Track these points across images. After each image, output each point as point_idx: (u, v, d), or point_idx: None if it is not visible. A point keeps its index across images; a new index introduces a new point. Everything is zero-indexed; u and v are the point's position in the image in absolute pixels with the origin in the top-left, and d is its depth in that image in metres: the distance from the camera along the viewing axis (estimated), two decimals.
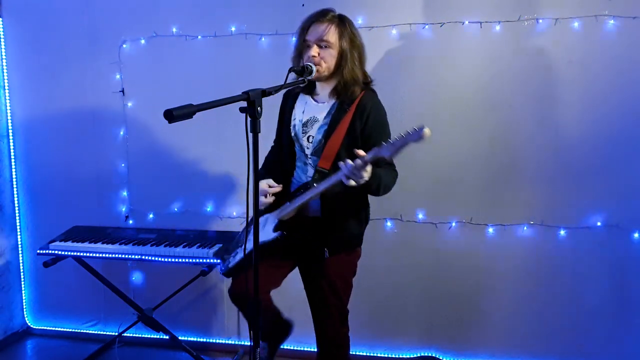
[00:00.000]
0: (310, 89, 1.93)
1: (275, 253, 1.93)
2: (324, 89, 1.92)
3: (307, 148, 1.90)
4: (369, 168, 1.62)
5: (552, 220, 2.49)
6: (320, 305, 2.00)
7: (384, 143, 1.58)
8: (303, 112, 1.93)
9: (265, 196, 1.87)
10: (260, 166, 1.85)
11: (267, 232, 1.89)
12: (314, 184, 1.81)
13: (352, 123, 1.83)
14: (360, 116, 1.83)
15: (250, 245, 1.74)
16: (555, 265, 2.52)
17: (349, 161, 1.61)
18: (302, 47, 1.85)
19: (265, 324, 1.98)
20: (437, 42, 2.49)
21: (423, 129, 1.50)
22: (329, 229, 1.90)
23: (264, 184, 1.87)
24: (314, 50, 1.80)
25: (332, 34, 1.80)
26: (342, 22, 1.83)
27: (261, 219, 1.91)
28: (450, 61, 2.49)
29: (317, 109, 1.91)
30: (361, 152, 1.60)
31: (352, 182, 1.63)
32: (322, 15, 1.82)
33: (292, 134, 1.93)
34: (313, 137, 1.88)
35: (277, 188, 1.89)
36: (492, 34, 2.43)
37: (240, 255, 1.98)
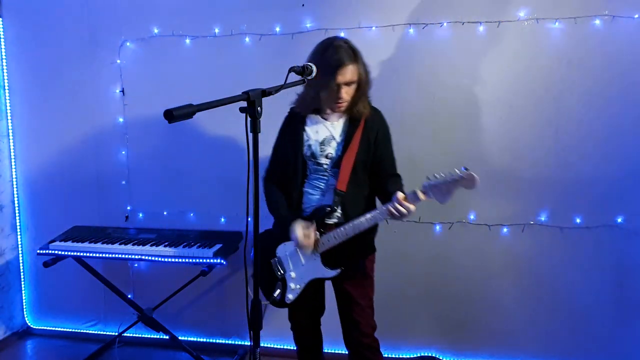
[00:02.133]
0: (317, 109, 2.00)
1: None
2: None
3: (326, 164, 1.98)
4: (412, 207, 1.79)
5: (551, 220, 2.50)
6: (356, 308, 2.04)
7: (430, 192, 1.77)
8: (317, 132, 1.98)
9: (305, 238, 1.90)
10: (268, 192, 2.06)
11: (317, 269, 1.94)
12: (335, 207, 1.93)
13: (364, 136, 1.95)
14: (371, 129, 1.96)
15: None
16: (555, 265, 2.52)
17: (401, 209, 1.78)
18: (326, 86, 1.87)
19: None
20: (437, 42, 2.49)
21: (467, 171, 1.71)
22: (358, 235, 1.92)
23: (299, 231, 1.89)
24: (345, 93, 1.87)
25: (355, 73, 1.86)
26: (357, 56, 1.87)
27: (289, 249, 1.98)
28: (450, 61, 2.49)
29: (331, 128, 1.98)
30: (412, 207, 1.78)
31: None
32: (348, 58, 1.83)
33: (308, 154, 1.98)
34: (331, 153, 1.96)
35: (312, 232, 1.92)
36: (492, 34, 2.43)
37: (295, 291, 1.99)
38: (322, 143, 1.97)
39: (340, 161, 1.94)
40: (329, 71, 1.81)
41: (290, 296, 1.98)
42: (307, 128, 1.99)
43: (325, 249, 1.92)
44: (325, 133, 1.97)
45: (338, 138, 1.96)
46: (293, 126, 2.02)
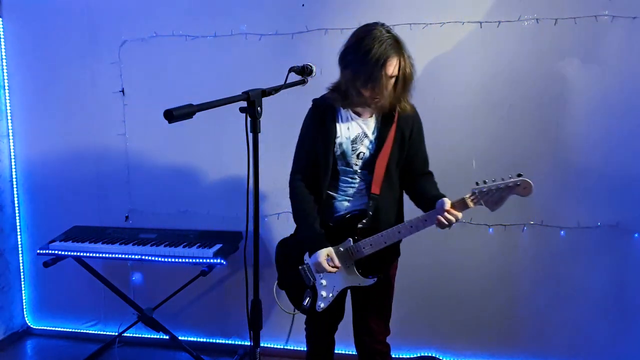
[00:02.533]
0: (347, 102, 1.81)
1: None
2: None
3: (356, 165, 1.84)
4: (460, 215, 1.70)
5: (552, 220, 2.49)
6: (374, 315, 1.99)
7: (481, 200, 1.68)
8: (348, 129, 1.83)
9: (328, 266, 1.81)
10: (301, 201, 1.88)
11: (351, 276, 1.84)
12: (369, 211, 1.82)
13: (398, 133, 1.82)
14: (405, 125, 1.83)
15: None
16: (555, 265, 2.52)
17: (451, 217, 1.68)
18: (373, 79, 1.67)
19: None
20: (437, 42, 2.49)
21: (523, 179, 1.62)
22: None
23: (323, 258, 1.79)
24: (391, 84, 1.70)
25: (396, 67, 1.69)
26: (401, 48, 1.70)
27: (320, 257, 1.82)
28: (450, 61, 2.49)
29: (363, 125, 1.84)
30: (460, 216, 1.69)
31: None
32: (397, 50, 1.68)
33: (338, 153, 1.83)
34: (363, 153, 1.83)
35: (337, 266, 1.82)
36: (492, 34, 2.43)
37: (327, 300, 1.89)
38: (353, 141, 1.82)
39: (372, 162, 1.81)
40: (374, 58, 1.63)
41: (322, 304, 1.88)
42: (338, 124, 1.83)
43: (360, 256, 1.81)
44: (357, 130, 1.83)
45: (371, 136, 1.82)
46: (322, 121, 1.84)
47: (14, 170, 3.06)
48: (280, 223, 2.75)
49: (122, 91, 2.86)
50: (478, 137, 2.52)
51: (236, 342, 2.93)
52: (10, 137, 3.03)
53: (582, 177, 2.46)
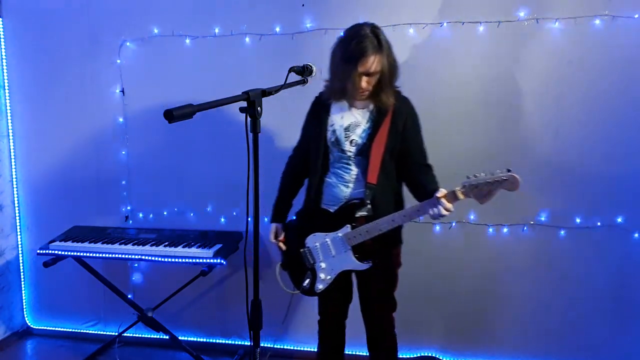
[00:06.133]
0: (344, 95, 1.95)
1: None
2: None
3: (350, 151, 1.95)
4: (451, 206, 1.77)
5: (552, 220, 2.49)
6: (382, 302, 2.11)
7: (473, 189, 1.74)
8: (342, 118, 1.97)
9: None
10: (283, 177, 2.21)
11: (348, 261, 1.95)
12: (366, 200, 1.91)
13: (393, 124, 1.92)
14: (399, 117, 1.93)
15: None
16: (555, 265, 2.53)
17: (442, 209, 1.75)
18: (347, 75, 1.83)
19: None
20: (437, 42, 2.49)
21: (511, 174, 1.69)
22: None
23: (271, 231, 2.18)
24: (365, 83, 1.84)
25: (377, 64, 1.81)
26: (381, 46, 1.82)
27: (319, 240, 1.99)
28: (450, 61, 2.49)
29: (357, 114, 1.96)
30: (451, 207, 1.75)
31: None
32: (371, 48, 1.79)
33: (332, 140, 1.96)
34: (356, 140, 1.94)
35: (281, 239, 2.17)
36: (492, 34, 2.43)
37: (325, 282, 2.01)
38: (346, 129, 1.94)
39: (366, 150, 1.91)
40: (351, 60, 1.79)
41: (320, 286, 2.00)
42: (332, 113, 1.99)
43: (357, 242, 1.91)
44: (350, 119, 1.96)
45: (364, 125, 1.94)
46: (318, 111, 2.03)
47: (14, 170, 3.06)
48: None
49: (122, 91, 2.86)
50: (477, 137, 2.52)
51: (236, 342, 2.93)
52: (10, 137, 3.03)
53: (582, 177, 2.46)
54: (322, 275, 1.99)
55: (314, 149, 2.01)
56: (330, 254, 1.97)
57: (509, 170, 1.70)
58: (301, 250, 2.02)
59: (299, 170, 2.16)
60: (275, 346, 2.85)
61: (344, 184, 1.97)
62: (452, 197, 1.76)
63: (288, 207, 2.21)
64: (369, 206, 1.91)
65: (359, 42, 1.79)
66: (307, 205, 2.08)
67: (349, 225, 1.92)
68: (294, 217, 2.15)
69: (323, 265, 1.98)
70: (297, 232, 2.07)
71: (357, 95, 1.90)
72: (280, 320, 2.80)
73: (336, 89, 1.91)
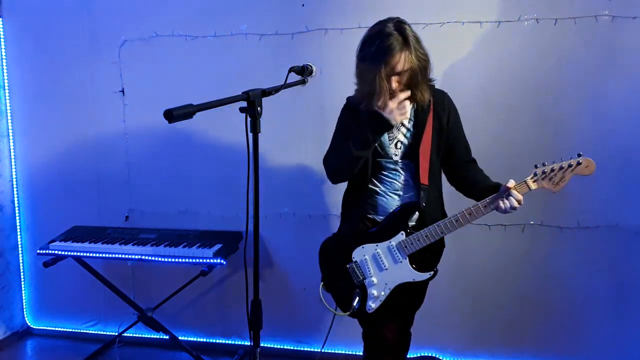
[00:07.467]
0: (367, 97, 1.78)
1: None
2: None
3: (396, 155, 1.82)
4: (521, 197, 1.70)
5: (552, 220, 2.49)
6: (403, 317, 1.92)
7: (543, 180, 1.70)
8: None
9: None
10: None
11: (404, 272, 1.76)
12: (422, 203, 1.77)
13: (435, 121, 1.81)
14: (442, 112, 1.83)
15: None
16: (554, 265, 2.52)
17: (514, 201, 1.69)
18: (375, 77, 1.67)
19: None
20: (437, 42, 2.48)
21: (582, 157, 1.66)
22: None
23: (393, 105, 1.71)
24: (395, 83, 1.69)
25: (406, 62, 1.68)
26: (407, 43, 1.69)
27: (369, 252, 1.79)
28: (450, 61, 2.49)
29: None
30: (521, 198, 1.68)
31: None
32: (396, 47, 1.66)
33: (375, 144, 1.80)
34: (401, 141, 1.81)
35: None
36: (492, 34, 2.43)
37: (378, 299, 1.79)
38: (389, 131, 1.80)
39: (413, 151, 1.79)
40: (377, 61, 1.65)
41: (373, 304, 1.78)
42: None
43: (415, 250, 1.75)
44: None
45: (408, 124, 1.81)
46: (353, 117, 1.83)
47: (14, 170, 3.06)
48: (281, 223, 2.75)
49: (122, 91, 2.86)
50: (477, 137, 2.50)
51: (236, 342, 2.93)
52: (10, 137, 3.03)
53: (582, 177, 2.45)
54: (374, 292, 1.77)
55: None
56: (383, 266, 1.77)
57: (579, 155, 1.68)
58: (347, 265, 1.81)
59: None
60: (276, 346, 2.85)
61: (394, 191, 1.83)
62: (522, 187, 1.69)
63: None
64: (421, 210, 1.77)
65: (382, 41, 1.66)
66: (350, 217, 1.89)
67: (403, 232, 1.76)
68: (336, 232, 1.96)
69: (374, 280, 1.77)
70: (341, 247, 1.86)
71: (389, 97, 1.71)
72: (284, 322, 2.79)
73: (366, 93, 1.74)
